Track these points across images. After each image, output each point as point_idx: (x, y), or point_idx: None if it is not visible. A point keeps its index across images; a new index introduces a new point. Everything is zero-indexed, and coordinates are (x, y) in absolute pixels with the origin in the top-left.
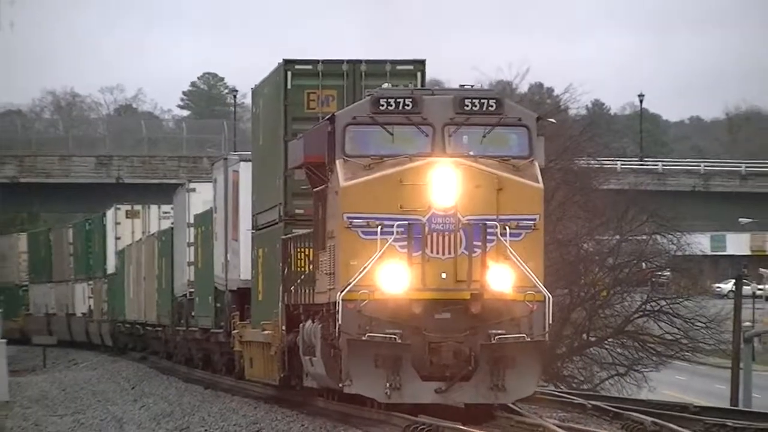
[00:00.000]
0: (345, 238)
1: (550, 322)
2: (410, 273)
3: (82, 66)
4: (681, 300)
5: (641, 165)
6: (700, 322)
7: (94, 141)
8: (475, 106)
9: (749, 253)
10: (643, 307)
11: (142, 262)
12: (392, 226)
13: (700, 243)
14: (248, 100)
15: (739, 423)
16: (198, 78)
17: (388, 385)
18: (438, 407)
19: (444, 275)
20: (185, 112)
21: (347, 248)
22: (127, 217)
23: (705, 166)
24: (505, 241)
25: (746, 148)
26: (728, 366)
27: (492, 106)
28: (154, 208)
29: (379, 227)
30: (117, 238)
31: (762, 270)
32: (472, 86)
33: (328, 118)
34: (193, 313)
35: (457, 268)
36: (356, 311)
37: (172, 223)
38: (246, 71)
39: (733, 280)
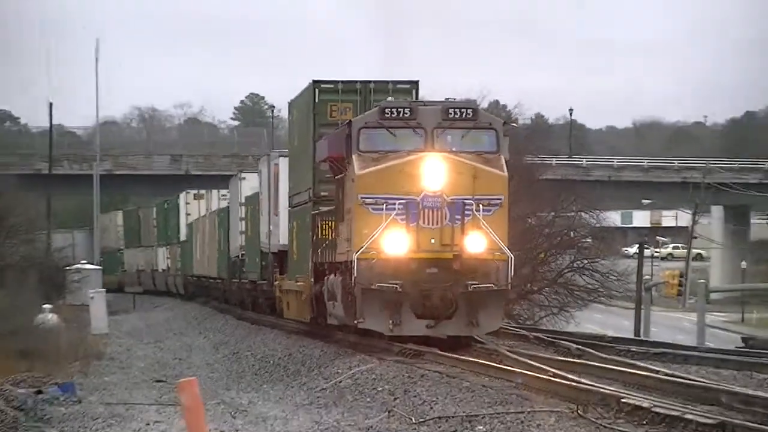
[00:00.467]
0: (359, 212)
1: (512, 275)
2: (408, 239)
3: (160, 87)
4: (598, 259)
5: (570, 161)
6: (612, 275)
7: (169, 144)
8: (457, 114)
9: (649, 225)
10: (571, 264)
11: (206, 231)
12: (394, 204)
13: (613, 218)
14: (282, 114)
15: (641, 349)
16: (245, 97)
17: (391, 322)
18: (428, 338)
19: (433, 240)
20: (236, 123)
21: (361, 220)
22: (194, 199)
23: (617, 161)
24: (479, 215)
25: (648, 149)
26: (632, 307)
27: (469, 114)
28: (214, 192)
29: (385, 205)
30: (187, 214)
31: (658, 237)
32: (454, 99)
33: (347, 124)
34: (244, 269)
35: (443, 235)
36: (368, 267)
37: (228, 203)
38: (278, 91)
39: (637, 245)
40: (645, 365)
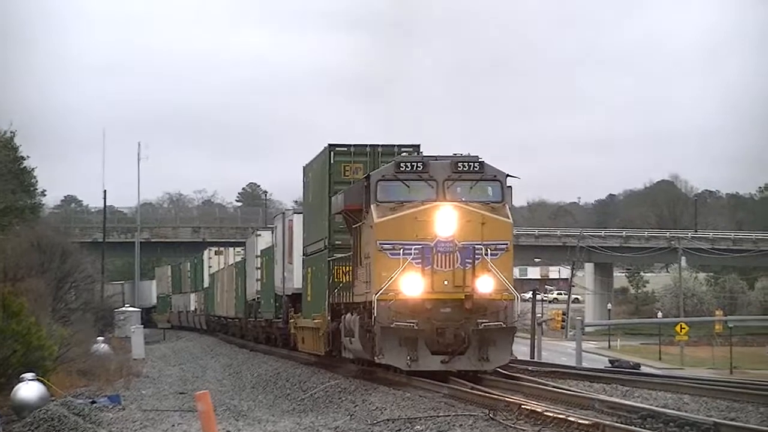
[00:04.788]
0: (378, 257)
1: (518, 314)
2: (423, 281)
3: (183, 178)
4: None
5: None
6: None
7: (190, 219)
8: (465, 167)
9: (539, 277)
10: None
11: (225, 280)
12: (411, 249)
13: (515, 272)
14: (275, 197)
15: (535, 368)
16: (246, 185)
17: (408, 357)
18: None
19: (446, 282)
20: (239, 203)
21: (380, 264)
22: (215, 254)
23: (516, 231)
24: (488, 258)
25: (539, 222)
26: (529, 337)
27: (476, 167)
28: (231, 249)
29: (402, 250)
30: (209, 267)
31: (546, 287)
32: (461, 154)
33: (365, 177)
34: (259, 310)
35: (455, 277)
36: (387, 307)
37: (244, 257)
38: (267, 176)
39: (531, 292)
40: (538, 380)
